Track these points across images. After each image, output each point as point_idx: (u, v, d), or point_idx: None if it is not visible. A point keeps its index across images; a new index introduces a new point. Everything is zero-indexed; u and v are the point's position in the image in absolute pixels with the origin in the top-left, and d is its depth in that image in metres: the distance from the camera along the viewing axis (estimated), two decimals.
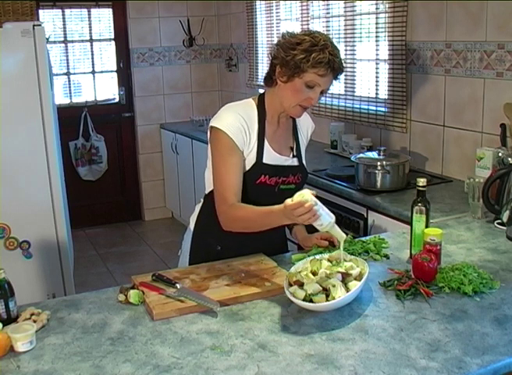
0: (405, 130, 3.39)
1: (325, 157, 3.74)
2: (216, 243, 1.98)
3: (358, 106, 3.70)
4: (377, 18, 3.50)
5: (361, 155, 3.04)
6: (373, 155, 2.99)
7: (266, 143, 1.89)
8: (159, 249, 4.98)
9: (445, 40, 3.06)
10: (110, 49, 5.48)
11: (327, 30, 3.89)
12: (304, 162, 2.01)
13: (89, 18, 5.32)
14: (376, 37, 3.54)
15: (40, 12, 5.02)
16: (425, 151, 3.29)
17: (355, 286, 1.56)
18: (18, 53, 3.15)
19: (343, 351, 1.38)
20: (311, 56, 1.72)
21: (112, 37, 5.44)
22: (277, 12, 4.56)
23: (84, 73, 5.41)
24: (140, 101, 5.53)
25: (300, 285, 1.59)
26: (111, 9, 5.37)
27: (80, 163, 5.33)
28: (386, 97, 3.48)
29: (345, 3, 3.73)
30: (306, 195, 1.53)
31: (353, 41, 3.71)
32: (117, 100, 5.56)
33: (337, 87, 3.83)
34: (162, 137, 5.59)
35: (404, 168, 2.87)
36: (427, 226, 1.87)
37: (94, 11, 5.33)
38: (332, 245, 1.93)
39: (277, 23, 4.59)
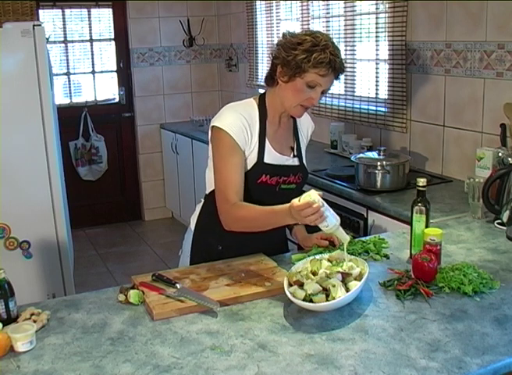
0: (405, 130, 3.39)
1: (325, 157, 3.74)
2: (217, 243, 1.98)
3: (358, 106, 3.70)
4: (377, 18, 3.50)
5: (361, 155, 3.04)
6: (373, 155, 2.99)
7: (267, 143, 1.89)
8: (159, 249, 4.98)
9: (445, 40, 3.06)
10: (110, 49, 5.48)
11: (327, 30, 3.89)
12: (304, 161, 2.01)
13: (89, 18, 5.32)
14: (376, 37, 3.54)
15: (40, 12, 5.02)
16: (425, 151, 3.29)
17: (355, 286, 1.56)
18: (18, 53, 3.15)
19: (343, 351, 1.38)
20: (312, 56, 1.72)
21: (112, 37, 5.44)
22: (277, 12, 4.56)
23: (84, 73, 5.41)
24: (140, 101, 5.53)
25: (300, 285, 1.59)
26: (111, 9, 5.37)
27: (79, 163, 5.33)
28: (386, 97, 3.48)
29: (345, 3, 3.73)
30: (313, 196, 1.53)
31: (353, 41, 3.71)
32: (117, 100, 5.56)
33: (337, 87, 3.84)
34: (162, 137, 5.59)
35: (404, 168, 2.87)
36: (427, 226, 1.87)
37: (94, 11, 5.33)
38: (332, 245, 1.93)
39: (277, 23, 4.59)
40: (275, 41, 4.58)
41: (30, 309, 1.59)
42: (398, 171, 2.84)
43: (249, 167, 1.86)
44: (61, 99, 5.27)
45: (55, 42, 5.17)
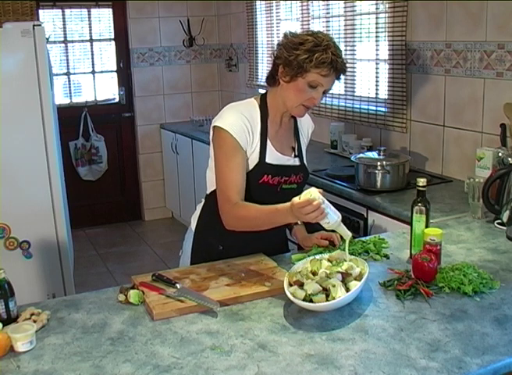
0: (405, 130, 3.39)
1: (325, 157, 3.74)
2: (218, 243, 1.98)
3: (358, 106, 3.70)
4: (377, 18, 3.50)
5: (361, 155, 3.04)
6: (373, 155, 2.99)
7: (269, 143, 1.89)
8: (159, 249, 4.98)
9: (445, 40, 3.06)
10: (110, 49, 5.48)
11: (327, 30, 3.88)
12: (305, 161, 2.01)
13: (89, 18, 5.32)
14: (376, 37, 3.54)
15: (40, 12, 5.02)
16: (425, 151, 3.29)
17: (355, 286, 1.56)
18: (18, 53, 3.15)
19: (343, 351, 1.38)
20: (313, 56, 1.72)
21: (112, 37, 5.44)
22: (277, 12, 4.56)
23: (84, 73, 5.40)
24: (140, 101, 5.53)
25: (300, 285, 1.59)
26: (111, 9, 5.37)
27: (80, 163, 5.33)
28: (386, 97, 3.48)
29: (345, 3, 3.73)
30: (313, 193, 1.54)
31: (353, 41, 3.71)
32: (117, 100, 5.56)
33: (337, 87, 3.83)
34: (162, 137, 5.59)
35: (404, 168, 2.87)
36: (427, 226, 1.87)
37: (94, 11, 5.33)
38: (332, 245, 1.93)
39: (277, 23, 4.59)
40: (275, 41, 4.60)
41: (30, 309, 1.59)
42: (398, 171, 2.84)
43: (251, 167, 1.86)
44: (61, 99, 5.26)
45: (55, 42, 5.17)
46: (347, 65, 1.84)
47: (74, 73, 5.37)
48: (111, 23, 5.40)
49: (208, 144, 1.94)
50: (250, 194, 1.84)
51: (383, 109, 3.51)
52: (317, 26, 4.04)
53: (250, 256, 1.92)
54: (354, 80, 3.76)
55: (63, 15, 5.19)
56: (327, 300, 1.53)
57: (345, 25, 3.76)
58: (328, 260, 1.73)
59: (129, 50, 5.43)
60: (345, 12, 3.75)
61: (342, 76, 1.84)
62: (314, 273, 1.65)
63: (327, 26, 3.94)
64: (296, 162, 1.97)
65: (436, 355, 1.35)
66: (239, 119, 1.83)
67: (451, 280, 1.69)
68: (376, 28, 3.52)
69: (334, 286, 1.55)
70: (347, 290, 1.56)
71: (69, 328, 1.53)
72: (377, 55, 3.57)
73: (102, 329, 1.52)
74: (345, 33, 3.76)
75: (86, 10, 5.29)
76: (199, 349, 1.41)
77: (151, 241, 5.21)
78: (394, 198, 2.71)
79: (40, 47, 3.18)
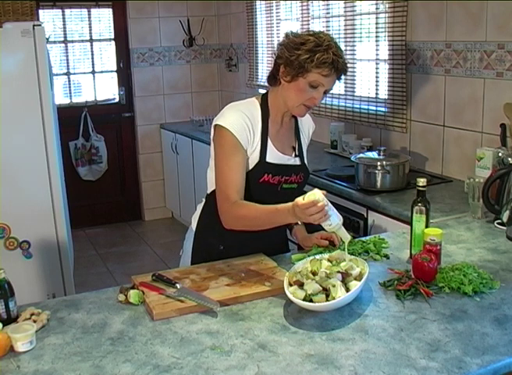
0: (405, 130, 3.39)
1: (325, 157, 3.74)
2: (218, 243, 1.98)
3: (358, 106, 3.70)
4: (377, 18, 3.50)
5: (361, 155, 3.04)
6: (373, 155, 2.99)
7: (269, 142, 1.89)
8: (159, 249, 4.98)
9: (445, 40, 3.06)
10: (110, 49, 5.48)
11: (327, 30, 3.88)
12: (305, 161, 2.01)
13: (89, 18, 5.32)
14: (376, 37, 3.54)
15: (40, 12, 5.02)
16: (425, 151, 3.29)
17: (355, 286, 1.56)
18: (18, 53, 3.15)
19: (343, 351, 1.38)
20: (315, 56, 1.73)
21: (112, 37, 5.44)
22: (277, 12, 4.56)
23: (84, 73, 5.40)
24: (140, 101, 5.53)
25: (300, 285, 1.59)
26: (111, 9, 5.37)
27: (80, 163, 5.33)
28: (386, 97, 3.48)
29: (345, 3, 3.73)
30: (318, 195, 1.54)
31: (353, 41, 3.71)
32: (117, 100, 5.56)
33: (337, 87, 3.83)
34: (162, 137, 5.59)
35: (404, 168, 2.87)
36: (427, 226, 1.87)
37: (94, 11, 5.33)
38: (332, 245, 1.93)
39: (277, 23, 4.59)
40: (275, 41, 4.60)
41: (30, 309, 1.59)
42: (398, 171, 2.84)
43: (251, 166, 1.86)
44: (61, 99, 5.26)
45: (55, 42, 5.17)
46: (347, 65, 1.84)
47: (74, 73, 5.37)
48: (111, 23, 5.40)
49: (208, 144, 1.94)
50: (251, 194, 1.84)
51: (383, 109, 3.52)
52: (317, 26, 4.04)
53: (250, 256, 1.92)
54: (354, 80, 3.76)
55: (63, 15, 5.19)
56: (327, 300, 1.53)
57: (345, 25, 3.76)
58: (328, 260, 1.73)
59: (129, 50, 5.43)
60: (345, 12, 3.75)
61: (343, 77, 1.84)
62: (314, 273, 1.65)
63: (327, 26, 3.94)
64: (297, 161, 1.97)
65: (436, 355, 1.35)
66: (240, 118, 1.83)
67: (451, 280, 1.69)
68: (376, 28, 3.52)
69: (334, 286, 1.55)
70: (347, 290, 1.56)
71: (69, 328, 1.53)
72: (377, 55, 3.57)
73: (102, 329, 1.52)
74: (345, 33, 3.76)
75: (86, 10, 5.29)
76: (199, 349, 1.41)
77: (151, 241, 5.21)
78: (394, 198, 2.71)
79: (40, 47, 3.18)
